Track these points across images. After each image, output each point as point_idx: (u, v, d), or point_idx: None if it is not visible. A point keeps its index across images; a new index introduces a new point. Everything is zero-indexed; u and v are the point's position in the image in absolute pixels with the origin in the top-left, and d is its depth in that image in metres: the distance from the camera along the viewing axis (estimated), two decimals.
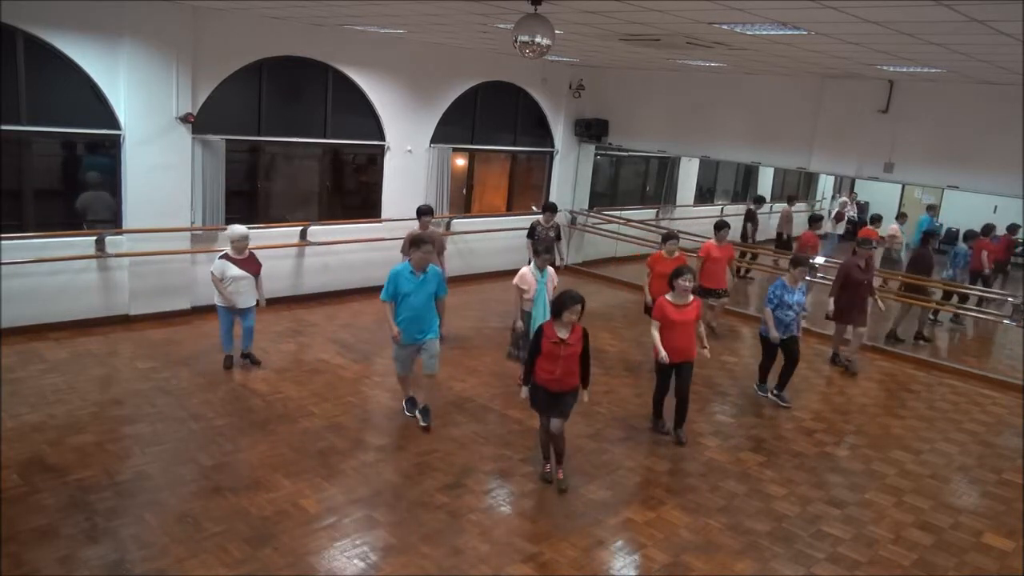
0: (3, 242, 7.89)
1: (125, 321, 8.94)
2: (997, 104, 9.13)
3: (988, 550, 5.64)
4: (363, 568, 4.85)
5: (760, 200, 15.28)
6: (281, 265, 10.21)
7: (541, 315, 7.26)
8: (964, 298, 11.50)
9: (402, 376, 7.05)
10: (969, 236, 12.37)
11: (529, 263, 7.89)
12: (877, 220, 13.92)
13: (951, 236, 17.15)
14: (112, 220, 8.80)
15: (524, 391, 5.95)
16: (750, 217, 14.65)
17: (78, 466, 5.71)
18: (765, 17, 5.74)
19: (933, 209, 14.81)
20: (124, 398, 7.01)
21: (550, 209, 10.07)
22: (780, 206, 15.88)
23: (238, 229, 7.62)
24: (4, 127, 7.80)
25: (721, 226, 10.03)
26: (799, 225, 14.53)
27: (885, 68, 8.55)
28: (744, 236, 14.60)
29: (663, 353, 6.68)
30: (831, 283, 9.42)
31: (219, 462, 5.98)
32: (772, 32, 6.44)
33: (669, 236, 9.16)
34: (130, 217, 8.79)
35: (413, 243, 6.73)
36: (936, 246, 12.11)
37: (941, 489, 6.57)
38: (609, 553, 5.21)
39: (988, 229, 12.75)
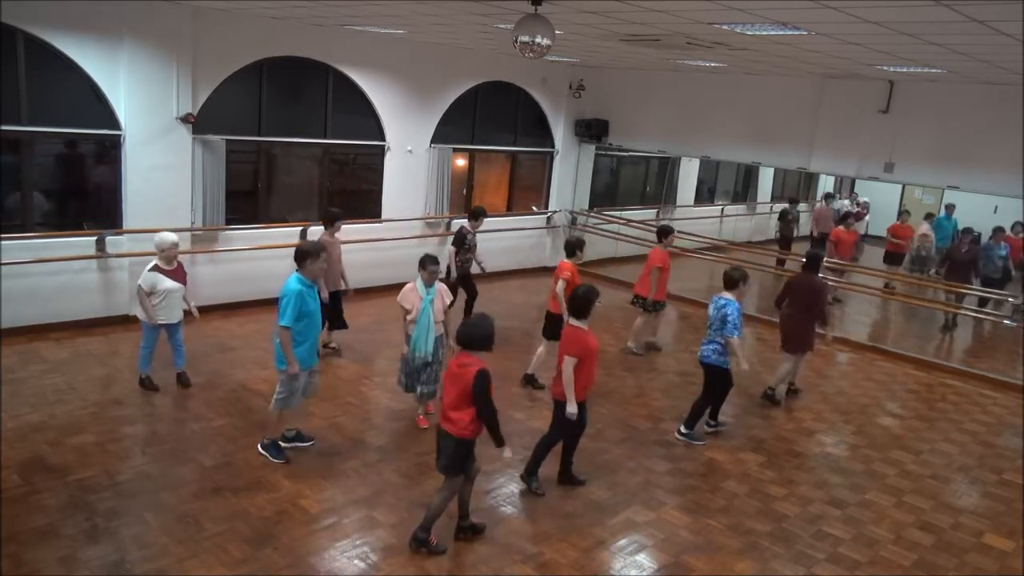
0: (3, 242, 7.90)
1: (125, 321, 8.92)
2: (997, 104, 9.12)
3: (988, 550, 5.64)
4: (363, 568, 4.85)
5: (795, 201, 15.30)
6: (282, 265, 10.13)
7: (423, 339, 6.47)
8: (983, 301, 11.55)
9: (292, 410, 6.11)
10: (997, 233, 12.45)
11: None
12: (906, 215, 14.01)
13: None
14: (43, 223, 8.55)
15: (508, 452, 5.07)
16: (785, 217, 14.79)
17: (78, 466, 5.71)
18: (765, 17, 5.74)
19: (951, 208, 14.94)
20: (124, 398, 7.01)
21: (480, 214, 9.19)
22: (804, 205, 16.13)
23: (168, 237, 6.95)
24: (4, 127, 7.80)
25: (668, 231, 9.30)
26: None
27: (885, 68, 8.55)
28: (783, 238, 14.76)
29: (574, 408, 5.62)
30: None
31: (219, 462, 5.98)
32: (772, 32, 6.44)
33: (579, 243, 8.09)
34: (130, 217, 8.79)
35: (311, 253, 5.79)
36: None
37: (941, 489, 6.57)
38: (609, 553, 5.21)
39: (1016, 227, 12.86)
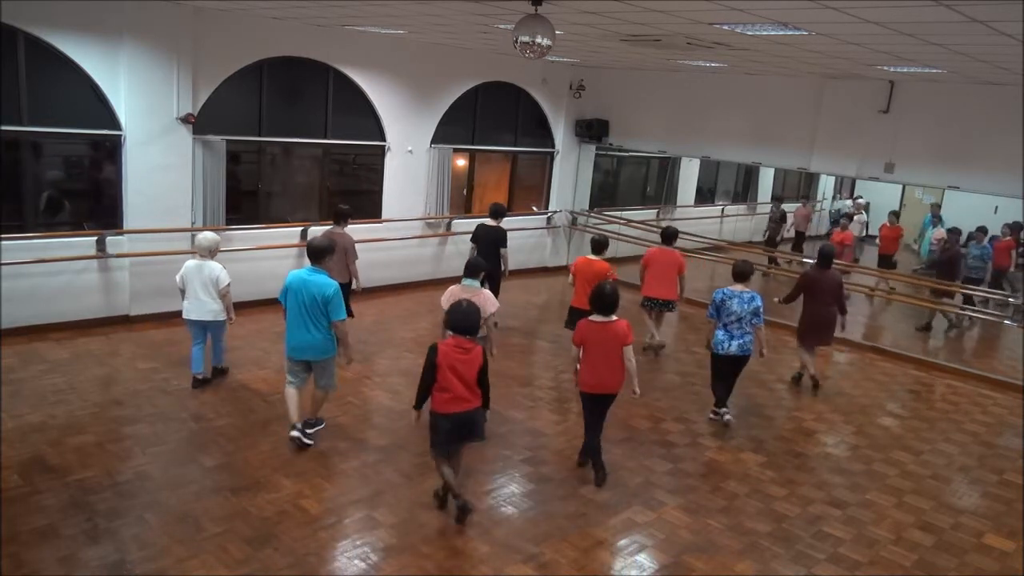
0: (4, 242, 7.90)
1: (126, 321, 8.94)
2: (997, 104, 9.12)
3: (989, 551, 5.64)
4: (363, 568, 4.85)
5: (779, 200, 15.35)
6: (281, 265, 10.16)
7: None
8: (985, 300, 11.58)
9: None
10: (979, 232, 12.50)
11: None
12: (892, 217, 14.02)
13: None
14: (52, 223, 8.56)
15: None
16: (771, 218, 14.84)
17: (79, 466, 5.71)
18: (765, 17, 5.74)
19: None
20: (125, 398, 7.01)
21: (500, 213, 9.44)
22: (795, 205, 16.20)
23: (213, 235, 7.25)
24: (5, 128, 7.81)
25: (676, 233, 9.33)
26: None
27: (886, 68, 8.55)
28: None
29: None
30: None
31: (219, 462, 5.98)
32: (772, 32, 6.44)
33: (607, 242, 8.37)
34: (131, 217, 8.79)
35: (328, 249, 6.27)
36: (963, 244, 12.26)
37: (942, 490, 6.57)
38: (609, 554, 5.21)
39: (1004, 229, 12.89)
